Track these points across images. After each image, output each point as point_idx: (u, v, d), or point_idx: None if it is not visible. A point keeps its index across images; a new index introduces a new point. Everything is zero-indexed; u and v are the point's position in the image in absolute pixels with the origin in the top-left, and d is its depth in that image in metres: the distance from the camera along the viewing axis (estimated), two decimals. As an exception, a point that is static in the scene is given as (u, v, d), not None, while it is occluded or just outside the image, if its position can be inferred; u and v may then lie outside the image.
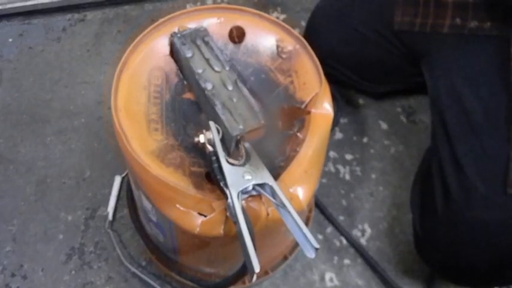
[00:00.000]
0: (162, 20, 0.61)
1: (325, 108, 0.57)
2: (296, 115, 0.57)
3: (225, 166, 0.48)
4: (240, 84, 0.55)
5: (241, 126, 0.51)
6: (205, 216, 0.50)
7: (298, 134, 0.56)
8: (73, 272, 0.79)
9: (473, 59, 0.71)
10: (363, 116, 0.97)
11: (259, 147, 0.53)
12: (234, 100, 0.54)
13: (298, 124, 0.57)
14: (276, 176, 0.51)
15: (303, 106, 0.57)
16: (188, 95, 0.58)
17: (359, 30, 0.83)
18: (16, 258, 0.80)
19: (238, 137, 0.51)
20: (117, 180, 0.86)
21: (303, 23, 1.07)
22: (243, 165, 0.49)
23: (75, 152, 0.91)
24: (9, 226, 0.83)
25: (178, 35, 0.59)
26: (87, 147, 0.92)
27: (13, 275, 0.79)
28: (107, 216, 0.83)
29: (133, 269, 0.78)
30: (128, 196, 0.81)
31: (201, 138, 0.51)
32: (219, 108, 0.53)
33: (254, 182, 0.47)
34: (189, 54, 0.57)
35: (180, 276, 0.73)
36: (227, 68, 0.57)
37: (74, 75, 1.01)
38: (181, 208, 0.51)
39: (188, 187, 0.51)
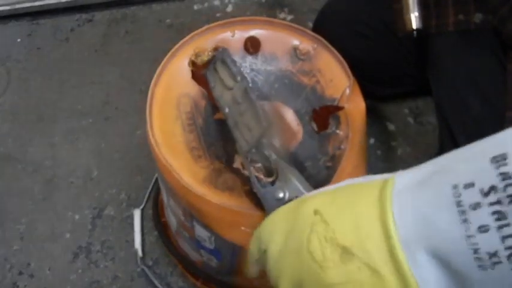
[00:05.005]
0: (177, 46, 0.60)
1: (357, 100, 0.57)
2: (330, 113, 0.56)
3: (259, 191, 0.46)
4: (248, 91, 0.53)
5: (246, 141, 0.49)
6: None
7: (338, 131, 0.55)
8: (80, 271, 0.79)
9: (479, 59, 0.69)
10: (369, 117, 0.96)
11: (299, 152, 0.52)
12: (244, 114, 0.51)
13: (335, 121, 0.56)
14: (327, 177, 0.50)
15: (335, 103, 0.57)
16: (218, 115, 0.57)
17: (366, 34, 0.83)
18: (23, 256, 0.81)
19: (268, 153, 0.48)
20: (137, 214, 0.83)
21: (310, 24, 1.07)
22: (273, 183, 0.46)
23: (82, 151, 0.92)
24: (17, 225, 0.84)
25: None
26: (94, 147, 0.92)
27: (20, 273, 0.79)
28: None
29: (141, 267, 0.78)
30: (156, 224, 0.79)
31: (236, 164, 0.50)
32: (233, 129, 0.50)
33: (287, 198, 0.45)
34: (212, 84, 0.55)
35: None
36: (238, 79, 0.52)
37: (81, 76, 1.02)
38: (247, 230, 0.49)
39: (250, 207, 0.50)
